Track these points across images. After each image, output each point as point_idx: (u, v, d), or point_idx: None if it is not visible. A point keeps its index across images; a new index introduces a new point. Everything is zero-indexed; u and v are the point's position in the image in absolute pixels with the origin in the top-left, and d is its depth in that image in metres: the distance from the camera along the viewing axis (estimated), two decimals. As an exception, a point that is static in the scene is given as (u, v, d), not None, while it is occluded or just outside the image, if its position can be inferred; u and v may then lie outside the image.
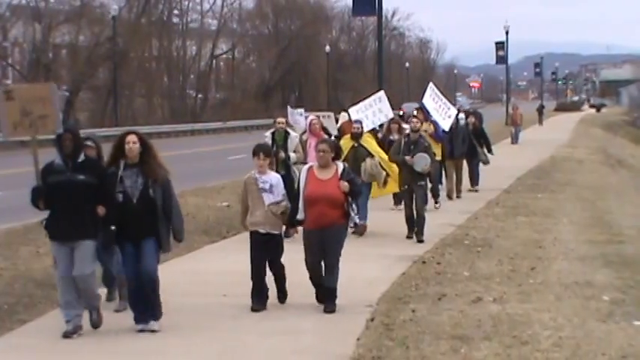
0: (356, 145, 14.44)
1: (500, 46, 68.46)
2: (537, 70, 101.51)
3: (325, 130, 16.11)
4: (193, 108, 71.17)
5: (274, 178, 9.67)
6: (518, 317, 9.10)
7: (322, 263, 9.58)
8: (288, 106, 18.02)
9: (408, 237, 14.27)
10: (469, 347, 8.06)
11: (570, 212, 17.94)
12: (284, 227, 9.98)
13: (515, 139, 41.43)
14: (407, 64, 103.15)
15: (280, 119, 14.55)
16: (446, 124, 18.39)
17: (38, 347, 8.43)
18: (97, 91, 60.13)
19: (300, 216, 9.50)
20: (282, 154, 13.92)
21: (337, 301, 9.49)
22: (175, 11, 72.37)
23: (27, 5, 56.33)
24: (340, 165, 9.57)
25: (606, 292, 10.30)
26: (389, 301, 9.91)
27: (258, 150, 9.66)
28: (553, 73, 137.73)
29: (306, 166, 9.82)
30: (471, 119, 21.60)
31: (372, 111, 16.53)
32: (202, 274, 11.38)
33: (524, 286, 10.68)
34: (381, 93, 17.11)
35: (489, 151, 21.86)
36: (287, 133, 14.35)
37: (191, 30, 74.43)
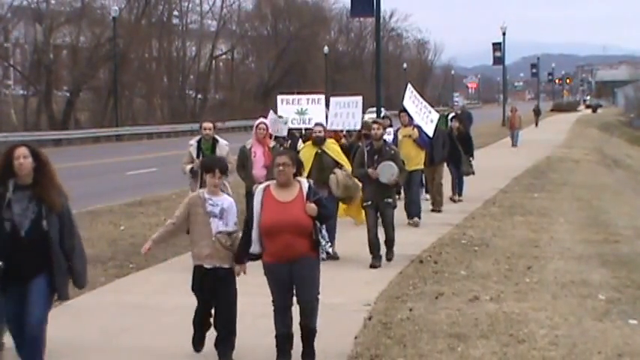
0: (319, 151, 12.45)
1: (497, 47, 68.57)
2: (534, 70, 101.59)
3: (292, 135, 14.64)
4: (193, 108, 71.29)
5: (227, 201, 7.81)
6: (514, 316, 9.15)
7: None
8: (271, 112, 15.17)
9: (373, 266, 11.97)
10: (466, 345, 8.11)
11: (566, 212, 17.99)
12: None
13: (515, 143, 40.31)
14: (405, 65, 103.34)
15: (207, 124, 12.42)
16: (429, 129, 16.56)
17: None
18: (98, 91, 60.31)
19: (254, 249, 7.48)
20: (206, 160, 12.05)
21: (335, 300, 9.46)
22: (175, 12, 72.58)
23: (28, 6, 56.55)
24: (304, 182, 7.59)
25: (602, 291, 10.36)
26: (387, 300, 9.97)
27: (214, 165, 7.83)
28: (549, 74, 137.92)
29: (261, 186, 7.67)
30: (455, 124, 19.92)
31: (347, 112, 15.23)
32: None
33: (521, 285, 10.74)
34: (359, 98, 15.53)
35: (471, 155, 20.00)
36: (215, 141, 12.36)
37: (191, 31, 74.58)
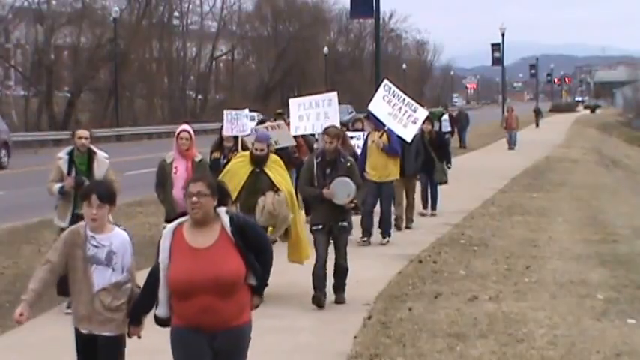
0: (257, 171, 10.02)
1: (496, 47, 68.64)
2: (533, 71, 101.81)
3: (245, 146, 12.71)
4: (193, 109, 71.33)
5: (118, 238, 5.73)
6: (513, 315, 9.20)
7: None
8: (225, 112, 13.32)
9: (317, 304, 9.73)
10: (465, 345, 8.15)
11: (565, 212, 18.03)
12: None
13: (512, 144, 38.60)
14: (404, 66, 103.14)
15: (82, 132, 9.71)
16: (408, 133, 14.13)
17: (40, 345, 8.51)
18: (98, 92, 60.32)
19: (160, 312, 5.44)
20: (86, 184, 8.46)
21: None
22: (176, 13, 72.57)
23: (29, 7, 56.57)
24: (224, 215, 5.38)
25: (600, 291, 10.40)
26: (386, 300, 10.01)
27: (90, 191, 5.71)
28: (548, 75, 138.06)
29: (170, 227, 5.46)
30: (427, 127, 16.67)
31: (317, 113, 13.05)
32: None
33: (520, 284, 10.78)
34: (333, 95, 13.40)
35: (448, 163, 17.43)
36: (92, 153, 9.74)
37: (191, 32, 74.61)
